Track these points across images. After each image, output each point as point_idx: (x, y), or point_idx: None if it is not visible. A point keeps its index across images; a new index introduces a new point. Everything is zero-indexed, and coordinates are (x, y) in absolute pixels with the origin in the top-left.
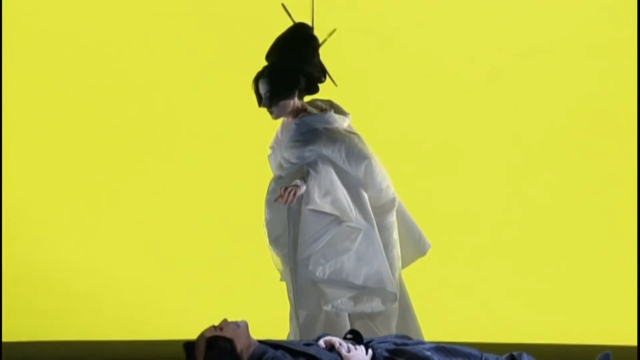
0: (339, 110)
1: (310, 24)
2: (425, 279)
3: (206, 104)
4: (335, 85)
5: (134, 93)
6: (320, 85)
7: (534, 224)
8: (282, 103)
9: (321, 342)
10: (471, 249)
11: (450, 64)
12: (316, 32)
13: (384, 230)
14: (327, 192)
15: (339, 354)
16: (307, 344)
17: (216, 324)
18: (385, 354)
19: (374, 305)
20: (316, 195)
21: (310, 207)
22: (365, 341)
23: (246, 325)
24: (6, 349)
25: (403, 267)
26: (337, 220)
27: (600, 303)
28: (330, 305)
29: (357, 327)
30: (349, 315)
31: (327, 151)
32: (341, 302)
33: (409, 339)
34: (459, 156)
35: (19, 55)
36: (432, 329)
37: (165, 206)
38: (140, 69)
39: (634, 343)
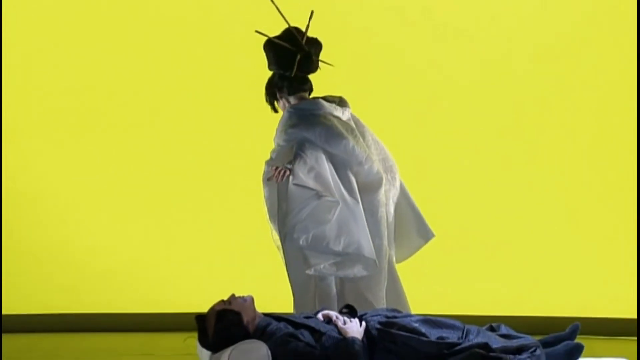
0: (342, 103)
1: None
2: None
3: (212, 92)
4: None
5: (150, 80)
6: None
7: (522, 196)
8: (279, 105)
9: (319, 316)
10: (456, 227)
11: (449, 22)
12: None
13: (371, 205)
14: (312, 168)
15: (336, 326)
16: (307, 317)
17: (225, 298)
18: (377, 325)
19: (356, 270)
20: (301, 172)
21: (295, 182)
22: (359, 314)
23: (252, 299)
24: (33, 320)
25: (409, 254)
26: (317, 195)
27: (600, 276)
28: (312, 269)
29: (347, 292)
30: (341, 283)
31: (307, 133)
32: (324, 266)
33: (399, 312)
34: (444, 132)
35: (36, 41)
36: (419, 303)
37: (178, 191)
38: (154, 56)
39: (634, 316)
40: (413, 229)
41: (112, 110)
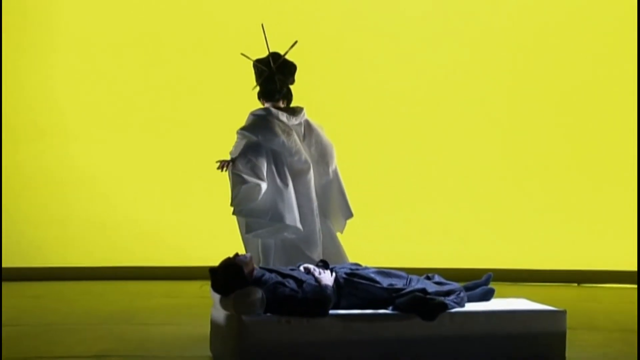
0: (294, 112)
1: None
2: (362, 221)
3: (225, 99)
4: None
5: (181, 91)
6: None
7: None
8: None
9: (301, 268)
10: (404, 196)
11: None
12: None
13: (302, 185)
14: (249, 161)
15: (313, 276)
16: (292, 269)
17: (230, 256)
18: (344, 275)
19: (286, 234)
20: (240, 163)
21: (233, 170)
22: (330, 267)
23: (251, 256)
24: (87, 271)
25: (341, 228)
26: (243, 181)
27: (508, 235)
28: (252, 234)
29: (288, 247)
30: (282, 240)
31: (253, 133)
32: (260, 231)
33: (360, 265)
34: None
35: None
36: (377, 259)
37: (198, 176)
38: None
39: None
40: (339, 209)
41: (149, 115)
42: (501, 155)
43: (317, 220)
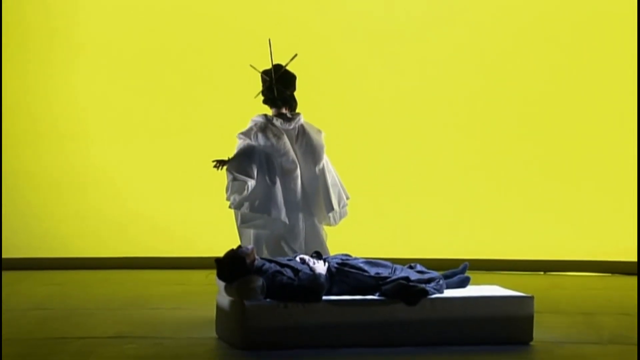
0: (289, 119)
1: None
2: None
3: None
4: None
5: (184, 98)
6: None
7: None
8: None
9: (297, 258)
10: (390, 189)
11: None
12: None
13: (290, 183)
14: (240, 160)
15: (308, 265)
16: (289, 259)
17: (234, 247)
18: (336, 265)
19: (274, 227)
20: (234, 162)
21: (227, 169)
22: (323, 257)
23: (253, 248)
24: (107, 261)
25: (327, 222)
26: (234, 178)
27: (481, 228)
28: (244, 225)
29: (273, 241)
30: (267, 235)
31: (249, 136)
32: (251, 223)
33: (350, 256)
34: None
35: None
36: (366, 249)
37: (206, 172)
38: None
39: (634, 259)
40: (323, 203)
41: (160, 119)
42: (478, 154)
43: (301, 215)
